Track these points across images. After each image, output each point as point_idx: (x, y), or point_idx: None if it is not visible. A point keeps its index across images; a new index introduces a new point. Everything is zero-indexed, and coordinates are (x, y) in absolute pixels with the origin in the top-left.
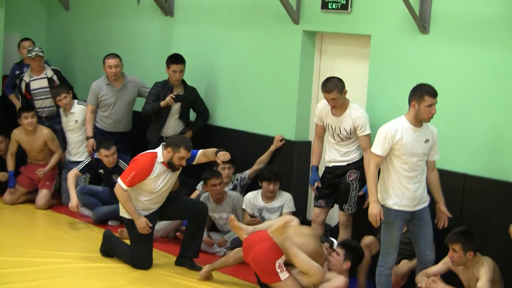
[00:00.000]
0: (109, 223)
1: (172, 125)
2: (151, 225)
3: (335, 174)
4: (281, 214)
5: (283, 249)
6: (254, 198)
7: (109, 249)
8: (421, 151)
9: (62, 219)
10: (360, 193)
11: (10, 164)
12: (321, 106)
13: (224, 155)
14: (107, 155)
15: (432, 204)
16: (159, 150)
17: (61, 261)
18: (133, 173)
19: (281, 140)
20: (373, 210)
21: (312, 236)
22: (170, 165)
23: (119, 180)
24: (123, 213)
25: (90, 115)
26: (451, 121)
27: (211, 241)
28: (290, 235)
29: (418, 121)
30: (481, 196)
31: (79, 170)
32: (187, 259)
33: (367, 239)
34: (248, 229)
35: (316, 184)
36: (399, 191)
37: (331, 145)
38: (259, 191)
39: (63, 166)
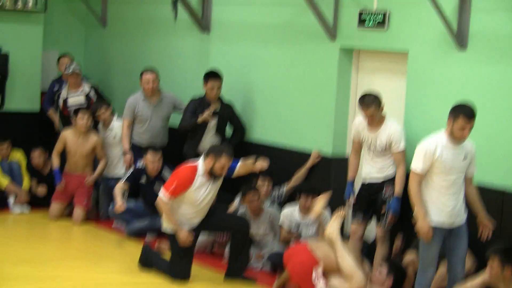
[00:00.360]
0: (147, 239)
1: (209, 141)
2: (192, 238)
3: (371, 190)
4: (318, 228)
5: (321, 253)
6: (291, 214)
7: (148, 261)
8: (460, 168)
9: (99, 233)
10: (382, 211)
11: (55, 162)
12: (358, 121)
13: (262, 164)
14: (153, 161)
15: (471, 218)
16: (199, 161)
17: (100, 277)
18: (174, 184)
19: (317, 157)
20: (424, 229)
21: (353, 249)
22: (211, 174)
23: (161, 192)
24: (165, 226)
25: (126, 130)
26: (488, 138)
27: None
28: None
29: (455, 139)
30: None
31: (125, 181)
32: (237, 275)
33: (410, 257)
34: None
35: (351, 197)
36: (438, 208)
37: (367, 160)
38: (296, 207)
39: (99, 181)
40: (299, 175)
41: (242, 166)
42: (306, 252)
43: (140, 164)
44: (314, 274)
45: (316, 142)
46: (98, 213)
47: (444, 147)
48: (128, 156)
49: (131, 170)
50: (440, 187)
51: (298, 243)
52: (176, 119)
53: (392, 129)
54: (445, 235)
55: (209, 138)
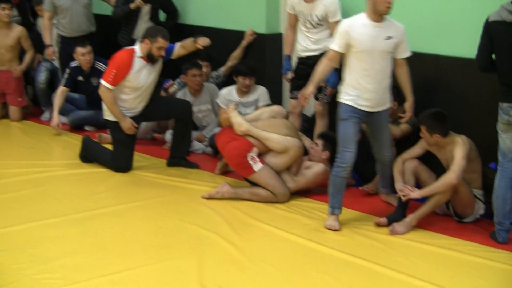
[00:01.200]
0: (86, 128)
1: (143, 27)
2: (136, 125)
3: (308, 64)
4: (256, 108)
5: (253, 138)
6: (228, 94)
7: (88, 154)
8: (382, 49)
9: (39, 128)
10: (322, 84)
11: None
12: (290, 2)
13: (204, 40)
14: (84, 53)
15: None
16: (136, 45)
17: (41, 170)
18: (114, 70)
19: (252, 34)
20: (306, 90)
21: (285, 125)
22: (149, 58)
23: (102, 81)
24: (107, 116)
25: (47, 23)
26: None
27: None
28: (258, 125)
29: (378, 16)
30: (454, 76)
31: (65, 85)
32: (180, 158)
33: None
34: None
35: (289, 74)
36: (357, 90)
37: (303, 33)
38: (233, 87)
39: (33, 74)
40: (236, 54)
41: (181, 46)
42: (240, 137)
43: (73, 62)
44: (249, 158)
45: (250, 21)
46: (40, 107)
47: (362, 26)
48: (51, 49)
49: (67, 72)
50: (360, 68)
51: (230, 128)
52: (106, 9)
53: (328, 1)
54: (364, 119)
55: (143, 24)
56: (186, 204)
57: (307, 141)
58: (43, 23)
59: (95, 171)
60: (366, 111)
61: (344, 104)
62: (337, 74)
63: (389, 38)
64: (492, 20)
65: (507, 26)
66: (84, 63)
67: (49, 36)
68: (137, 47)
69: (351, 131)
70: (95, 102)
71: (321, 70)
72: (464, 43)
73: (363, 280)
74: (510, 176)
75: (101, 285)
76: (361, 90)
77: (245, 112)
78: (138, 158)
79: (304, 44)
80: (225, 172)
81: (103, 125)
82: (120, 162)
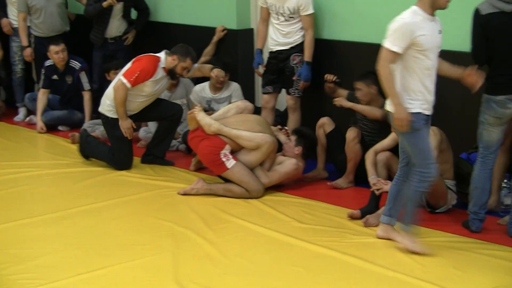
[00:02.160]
0: (59, 128)
1: (116, 25)
2: (135, 126)
3: (279, 58)
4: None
5: (225, 137)
6: (201, 90)
7: (87, 148)
8: (438, 44)
9: (13, 130)
10: (294, 78)
11: None
12: None
13: (219, 72)
14: (57, 51)
15: None
16: (161, 55)
17: (16, 171)
18: (138, 72)
19: (223, 30)
20: (401, 115)
21: (257, 121)
22: (170, 73)
23: (122, 78)
24: (107, 112)
25: (22, 23)
26: None
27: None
28: (230, 123)
29: (433, 10)
30: None
31: (43, 87)
32: (156, 157)
33: (321, 120)
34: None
35: (260, 67)
36: (421, 93)
37: (274, 26)
38: (206, 83)
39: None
40: (208, 51)
41: (198, 69)
42: (212, 135)
43: (47, 62)
44: (222, 155)
45: (221, 17)
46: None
47: (423, 21)
48: (28, 50)
49: (42, 72)
50: (424, 68)
51: (200, 128)
52: (79, 9)
53: None
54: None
55: (116, 22)
56: (161, 202)
57: (282, 136)
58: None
59: (70, 171)
60: (428, 115)
61: (415, 113)
62: (309, 67)
63: (440, 32)
64: (487, 13)
65: (506, 16)
66: (58, 61)
67: (25, 37)
68: (162, 57)
69: (427, 141)
70: (68, 101)
71: (391, 79)
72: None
73: (338, 272)
74: (490, 168)
75: (77, 284)
76: (425, 93)
77: (218, 108)
78: None
79: (275, 37)
80: (200, 168)
81: (77, 124)
82: (121, 160)
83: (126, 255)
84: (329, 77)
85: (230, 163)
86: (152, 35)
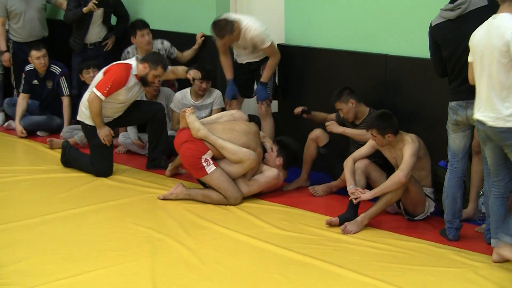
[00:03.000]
0: (38, 133)
1: (96, 31)
2: (113, 134)
3: (249, 69)
4: (211, 112)
5: (209, 144)
6: (183, 97)
7: (68, 160)
8: None
9: None
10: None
11: None
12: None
13: (196, 73)
14: (39, 57)
15: None
16: (132, 62)
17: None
18: (110, 83)
19: (202, 37)
20: None
21: (244, 132)
22: (142, 80)
23: (95, 90)
24: (86, 120)
25: (1, 28)
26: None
27: (142, 143)
28: (217, 129)
29: None
30: (403, 76)
31: (23, 92)
32: (160, 159)
33: (314, 132)
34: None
35: (234, 96)
36: None
37: (242, 52)
38: (187, 90)
39: None
40: (186, 54)
41: (172, 72)
42: (197, 139)
43: (27, 66)
44: (203, 160)
45: (201, 23)
46: None
47: None
48: (6, 55)
49: (22, 77)
50: None
51: (188, 129)
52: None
53: (250, 35)
54: None
55: (96, 28)
56: (140, 208)
57: (268, 144)
58: None
59: (49, 177)
60: None
61: None
62: (264, 87)
63: None
64: (436, 24)
65: (450, 24)
66: (39, 67)
67: (4, 42)
68: (133, 64)
69: None
70: (47, 106)
71: None
72: (412, 43)
73: (314, 279)
74: (460, 176)
75: None
76: None
77: (199, 116)
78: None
79: (246, 58)
80: (175, 174)
81: (56, 130)
82: (101, 167)
83: (103, 261)
84: (296, 110)
85: (210, 168)
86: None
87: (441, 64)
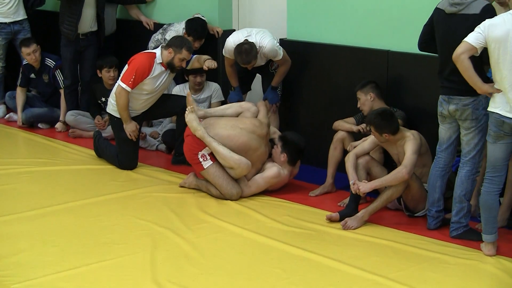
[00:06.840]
0: (39, 125)
1: (88, 18)
2: (139, 128)
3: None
4: (209, 105)
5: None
6: (181, 91)
7: (97, 150)
8: None
9: None
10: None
11: None
12: (229, 52)
13: (210, 62)
14: (29, 53)
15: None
16: (157, 50)
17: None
18: (134, 73)
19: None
20: (485, 87)
21: (248, 130)
22: (169, 66)
23: (121, 83)
24: (112, 111)
25: None
26: None
27: (142, 134)
28: (220, 125)
29: None
30: (405, 71)
31: (20, 85)
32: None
33: (340, 134)
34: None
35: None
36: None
37: None
38: (187, 84)
39: None
40: None
41: (196, 60)
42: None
43: (24, 60)
44: (199, 155)
45: (202, 13)
46: None
47: None
48: None
49: (20, 70)
50: None
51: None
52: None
53: (264, 50)
54: None
55: (88, 13)
56: (140, 201)
57: (277, 139)
58: None
59: (49, 169)
60: None
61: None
62: (274, 91)
63: None
64: (437, 7)
65: (443, 16)
66: (32, 62)
67: None
68: (158, 53)
69: None
70: (47, 98)
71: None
72: (414, 39)
73: (314, 274)
74: (441, 166)
75: (54, 282)
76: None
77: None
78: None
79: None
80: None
81: (57, 122)
82: (125, 160)
83: (103, 254)
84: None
85: (207, 163)
86: (133, 34)
87: (423, 36)
